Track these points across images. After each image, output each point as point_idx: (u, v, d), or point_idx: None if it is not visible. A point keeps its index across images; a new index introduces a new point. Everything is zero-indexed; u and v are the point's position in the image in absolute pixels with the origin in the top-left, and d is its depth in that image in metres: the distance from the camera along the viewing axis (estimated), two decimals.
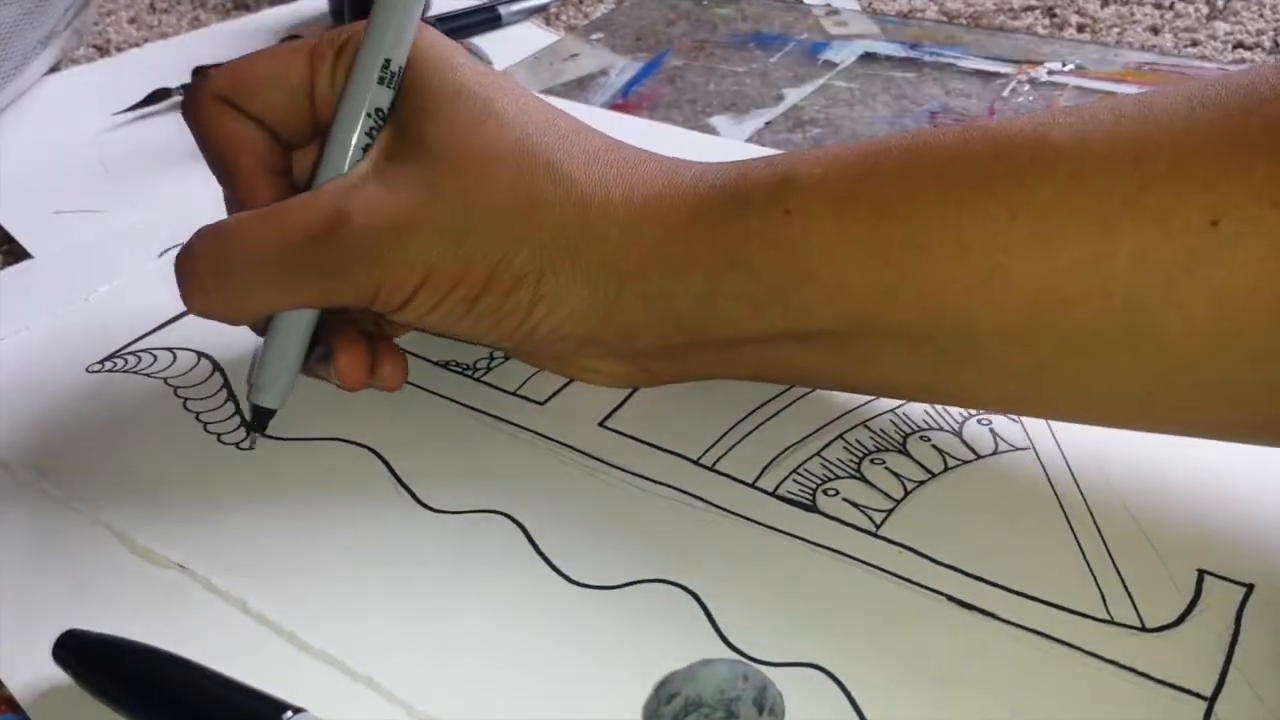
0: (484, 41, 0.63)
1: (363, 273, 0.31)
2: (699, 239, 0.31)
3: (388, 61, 0.32)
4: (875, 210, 0.29)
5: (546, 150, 0.32)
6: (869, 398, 0.36)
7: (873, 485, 0.33)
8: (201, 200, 0.48)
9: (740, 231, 0.30)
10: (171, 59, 0.62)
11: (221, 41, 0.64)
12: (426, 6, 0.33)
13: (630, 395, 0.36)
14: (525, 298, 0.31)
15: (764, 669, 0.26)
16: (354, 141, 0.32)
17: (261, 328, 0.35)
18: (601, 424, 0.35)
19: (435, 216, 0.31)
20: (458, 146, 0.31)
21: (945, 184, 0.28)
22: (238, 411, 0.37)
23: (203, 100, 0.34)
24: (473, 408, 0.36)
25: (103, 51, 0.66)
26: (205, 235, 0.32)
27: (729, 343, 0.32)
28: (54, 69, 0.62)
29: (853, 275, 0.29)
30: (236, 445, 0.35)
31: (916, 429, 0.35)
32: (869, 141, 0.31)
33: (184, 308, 0.33)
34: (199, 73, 0.57)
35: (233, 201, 0.35)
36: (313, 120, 0.34)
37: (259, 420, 0.35)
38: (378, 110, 0.33)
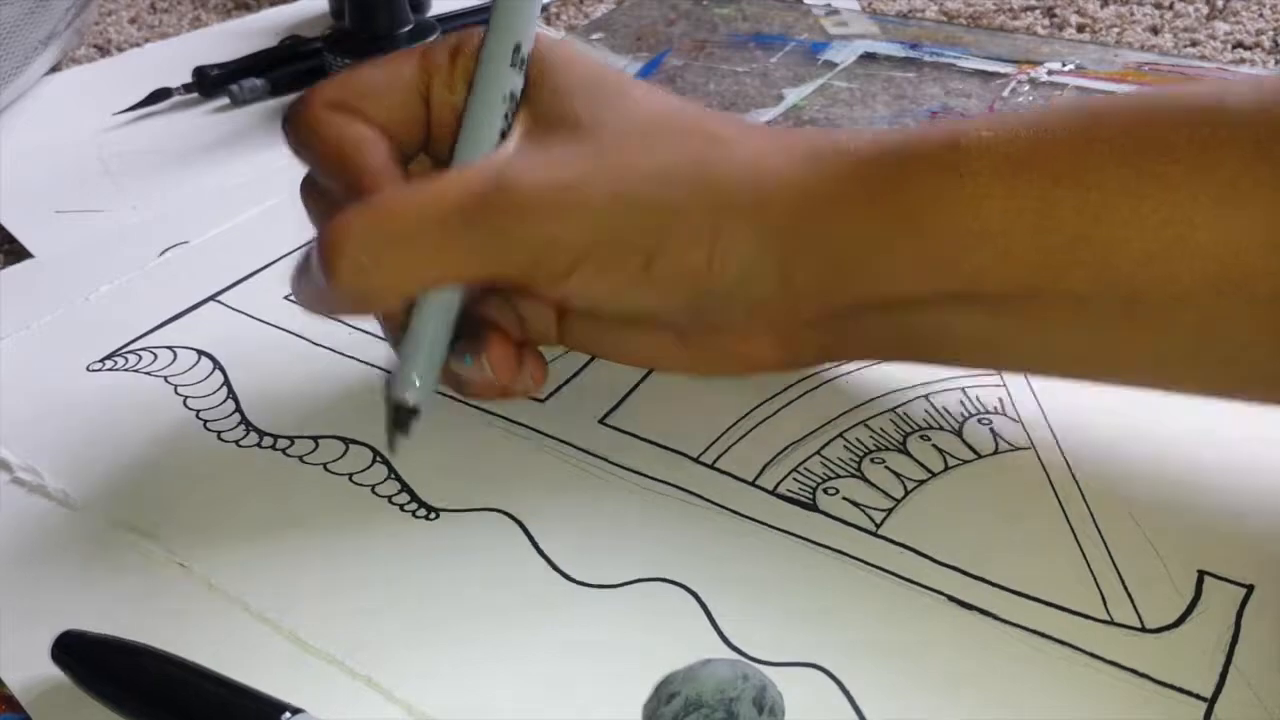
0: None
1: (529, 235, 0.29)
2: (869, 199, 0.30)
3: (518, 46, 0.32)
4: (1049, 176, 0.29)
5: (698, 121, 0.31)
6: (870, 396, 0.36)
7: (873, 484, 0.33)
8: (202, 200, 0.48)
9: (912, 192, 0.30)
10: (172, 59, 0.62)
11: (222, 41, 0.64)
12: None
13: (630, 392, 0.36)
14: (701, 257, 0.30)
15: (763, 668, 0.26)
16: (494, 124, 0.31)
17: (396, 325, 0.33)
18: (601, 421, 0.35)
19: (603, 176, 0.30)
20: (610, 119, 0.31)
21: (1123, 152, 0.28)
22: (238, 409, 0.37)
23: (313, 108, 0.32)
24: (473, 405, 0.36)
25: (103, 51, 0.66)
26: (352, 211, 0.30)
27: (894, 305, 0.32)
28: (55, 69, 0.62)
29: (1025, 240, 0.29)
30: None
31: (917, 428, 0.35)
32: (1035, 109, 0.30)
33: (316, 290, 0.31)
34: (200, 72, 0.57)
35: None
36: (427, 127, 0.34)
37: (401, 421, 0.31)
38: (511, 94, 0.32)
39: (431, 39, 0.33)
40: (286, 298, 0.42)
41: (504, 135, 0.31)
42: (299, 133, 0.33)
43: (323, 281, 0.30)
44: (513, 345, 0.32)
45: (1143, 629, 0.28)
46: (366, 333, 0.40)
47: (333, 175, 0.32)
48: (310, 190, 0.34)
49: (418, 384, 0.31)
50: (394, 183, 0.31)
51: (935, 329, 0.32)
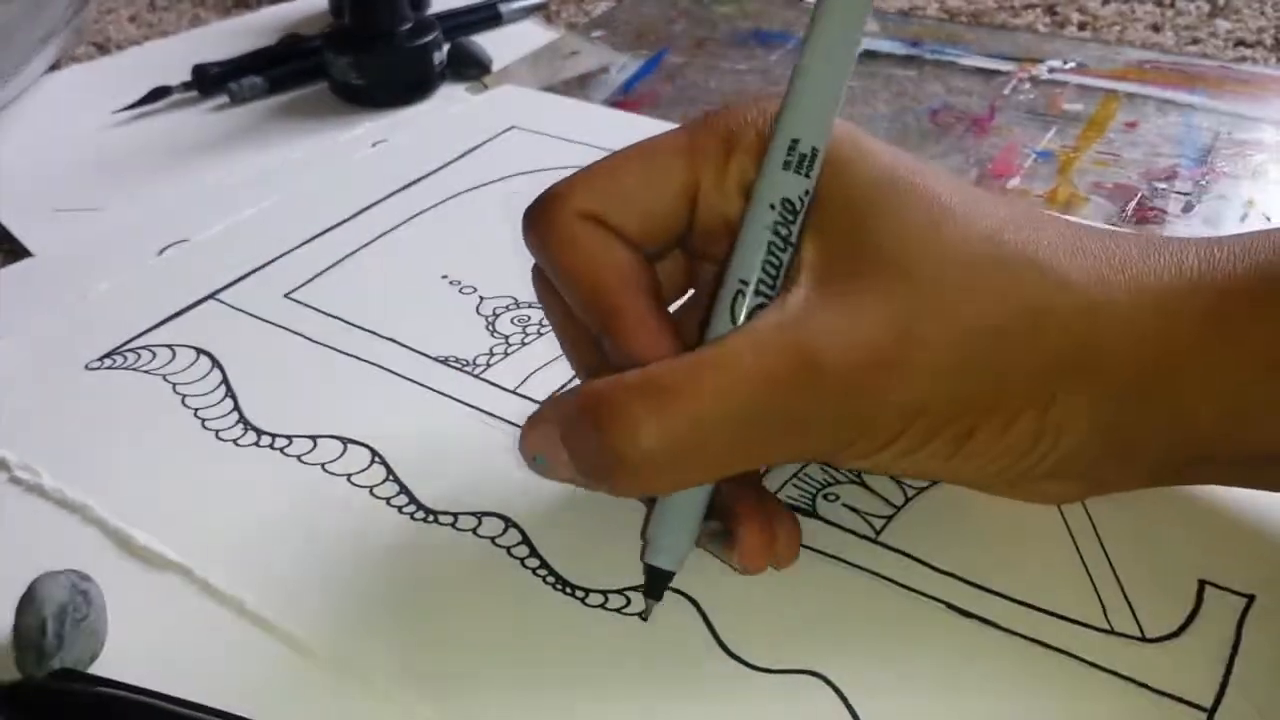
0: (484, 39, 0.62)
1: (843, 423, 0.25)
2: (1230, 342, 0.26)
3: (814, 151, 0.26)
4: None
5: (1024, 246, 0.26)
6: None
7: (873, 491, 0.33)
8: (201, 198, 0.48)
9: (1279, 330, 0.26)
10: (171, 57, 0.61)
11: (221, 39, 0.64)
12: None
13: None
14: (1028, 429, 0.26)
15: (763, 676, 0.26)
16: (779, 261, 0.26)
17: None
18: None
19: (926, 346, 0.25)
20: (921, 253, 0.26)
21: None
22: (236, 408, 0.36)
23: (564, 222, 0.28)
24: (472, 405, 0.36)
25: (103, 49, 0.65)
26: (633, 396, 0.25)
27: (1251, 460, 0.28)
28: (54, 67, 0.61)
29: None
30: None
31: None
32: None
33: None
34: (199, 70, 0.57)
35: (577, 343, 0.30)
36: (688, 228, 0.29)
37: (655, 585, 0.29)
38: (796, 211, 0.27)
39: (696, 121, 0.29)
40: (288, 295, 0.42)
41: (789, 267, 0.27)
42: (545, 244, 0.28)
43: (601, 476, 0.26)
44: (765, 532, 0.28)
45: (1143, 638, 0.28)
46: (367, 331, 0.40)
47: (582, 303, 0.28)
48: (547, 288, 0.30)
49: (672, 550, 0.28)
50: (654, 328, 0.27)
51: None
